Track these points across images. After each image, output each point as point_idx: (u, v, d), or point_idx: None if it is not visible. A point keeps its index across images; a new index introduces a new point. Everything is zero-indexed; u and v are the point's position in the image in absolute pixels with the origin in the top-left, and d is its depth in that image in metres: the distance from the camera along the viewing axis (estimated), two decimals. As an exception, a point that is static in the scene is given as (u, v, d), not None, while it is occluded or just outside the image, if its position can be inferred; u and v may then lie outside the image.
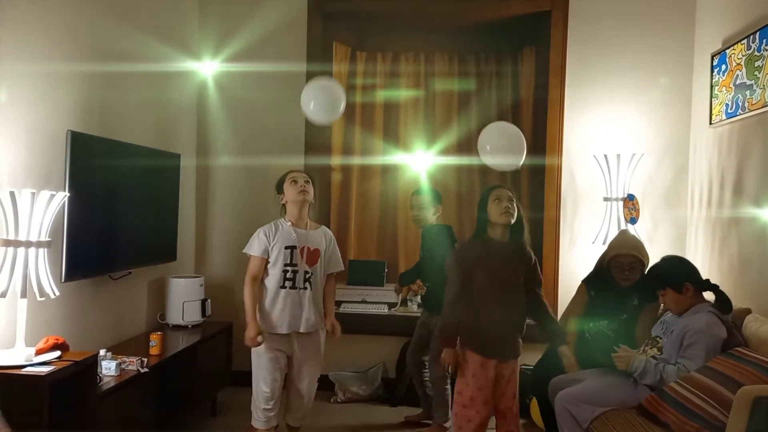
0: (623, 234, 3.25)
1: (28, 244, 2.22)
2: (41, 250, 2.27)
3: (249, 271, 2.79)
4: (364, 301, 4.22)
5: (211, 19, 4.21)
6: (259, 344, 2.71)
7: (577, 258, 3.91)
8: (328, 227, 4.39)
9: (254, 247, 2.79)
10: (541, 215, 4.01)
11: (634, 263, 3.01)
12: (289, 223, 2.82)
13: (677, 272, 2.72)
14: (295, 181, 2.81)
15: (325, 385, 4.03)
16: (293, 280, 2.77)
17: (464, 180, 4.61)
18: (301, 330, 2.78)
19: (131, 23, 3.34)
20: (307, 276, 2.79)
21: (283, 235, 2.78)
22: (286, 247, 2.76)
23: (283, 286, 2.76)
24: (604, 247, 3.22)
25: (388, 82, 4.63)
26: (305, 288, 2.79)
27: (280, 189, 2.88)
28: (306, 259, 2.80)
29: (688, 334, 2.55)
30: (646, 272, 2.93)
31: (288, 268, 2.75)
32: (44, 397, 2.11)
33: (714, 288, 2.70)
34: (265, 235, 2.78)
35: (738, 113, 3.15)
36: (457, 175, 4.62)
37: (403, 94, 4.61)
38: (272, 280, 2.78)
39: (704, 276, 2.78)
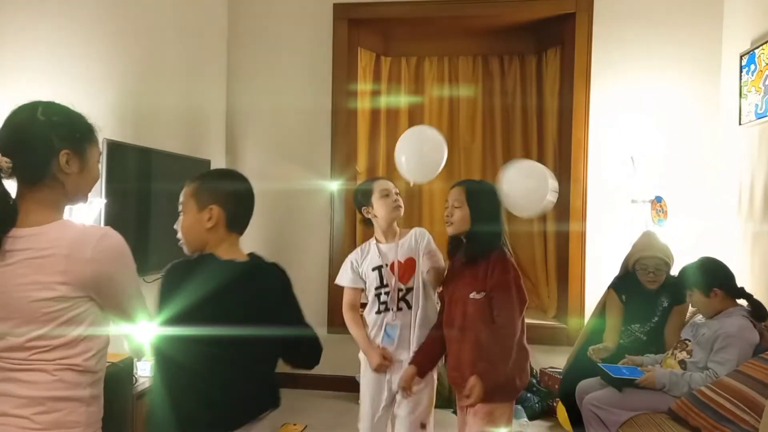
0: (646, 236, 3.20)
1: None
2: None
3: (344, 303, 2.52)
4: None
5: (238, 27, 4.29)
6: (387, 366, 2.39)
7: (604, 260, 3.88)
8: (354, 231, 4.51)
9: (343, 278, 2.51)
10: (567, 218, 3.99)
11: (659, 265, 2.98)
12: (374, 240, 2.49)
13: (707, 276, 2.68)
14: (387, 195, 2.43)
15: (353, 386, 4.07)
16: (386, 303, 2.41)
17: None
18: (401, 358, 2.40)
19: (159, 34, 3.44)
20: (402, 294, 2.40)
21: (369, 257, 2.46)
22: (373, 269, 2.42)
23: (378, 311, 2.43)
24: (628, 249, 3.19)
25: (412, 86, 4.67)
26: (400, 309, 2.40)
27: (365, 202, 2.46)
28: (399, 274, 2.40)
29: (719, 339, 2.52)
30: (679, 270, 2.89)
31: (380, 290, 2.41)
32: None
33: (748, 296, 2.66)
34: (354, 262, 2.48)
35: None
36: (482, 177, 4.64)
37: (427, 99, 4.64)
38: (370, 309, 2.47)
39: (737, 279, 2.74)
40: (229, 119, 4.33)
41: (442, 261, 2.45)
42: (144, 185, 3.15)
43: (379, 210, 2.42)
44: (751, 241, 3.32)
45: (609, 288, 3.17)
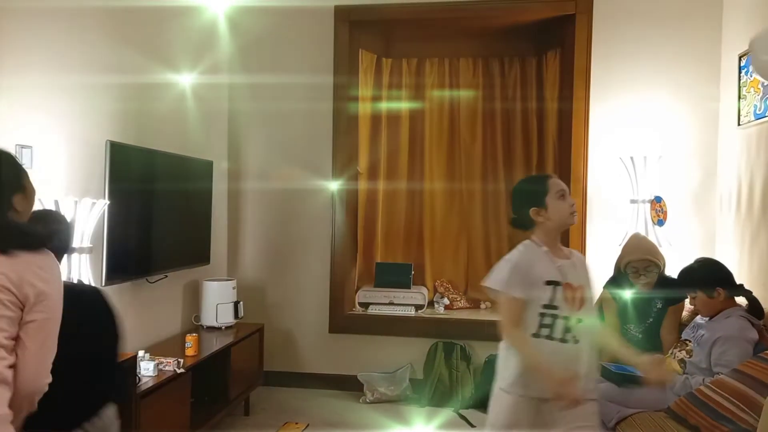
0: (635, 238, 3.22)
1: (71, 250, 2.34)
2: (83, 255, 2.39)
3: (504, 319, 2.02)
4: (391, 303, 4.27)
5: (240, 29, 4.32)
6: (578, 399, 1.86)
7: (603, 259, 3.89)
8: (356, 231, 4.53)
9: (504, 281, 2.00)
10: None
11: (648, 267, 3.01)
12: (545, 248, 2.05)
13: (710, 276, 2.71)
14: (564, 196, 2.04)
15: (354, 385, 4.11)
16: (551, 327, 1.96)
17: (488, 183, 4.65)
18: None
19: (163, 37, 3.46)
20: (569, 325, 1.95)
21: (541, 264, 2.01)
22: (548, 282, 1.97)
23: (536, 335, 1.96)
24: (619, 251, 3.22)
25: (413, 88, 4.69)
26: (565, 341, 1.95)
27: (536, 202, 2.05)
28: (571, 300, 1.97)
29: (720, 341, 2.54)
30: (679, 272, 2.89)
31: (546, 311, 1.96)
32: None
33: (747, 293, 2.68)
34: (521, 266, 2.01)
35: (767, 114, 3.13)
36: (482, 178, 4.67)
37: (428, 100, 4.66)
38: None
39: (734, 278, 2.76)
40: (231, 121, 4.36)
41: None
42: (147, 186, 3.18)
43: (554, 213, 2.02)
44: (749, 241, 3.34)
45: (603, 289, 3.20)
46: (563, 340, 1.95)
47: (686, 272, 2.82)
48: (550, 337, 1.95)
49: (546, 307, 1.96)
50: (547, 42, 4.37)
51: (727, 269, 2.76)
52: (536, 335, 1.96)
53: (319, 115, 4.25)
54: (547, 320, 1.96)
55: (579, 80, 3.95)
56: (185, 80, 3.70)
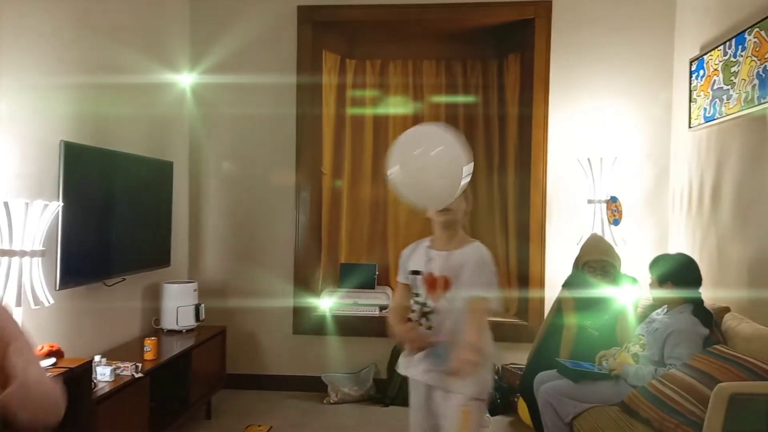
0: (593, 239, 3.33)
1: (22, 254, 2.28)
2: (35, 259, 2.32)
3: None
4: (355, 304, 4.28)
5: (201, 29, 4.26)
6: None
7: (563, 258, 3.98)
8: (320, 232, 4.52)
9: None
10: (528, 218, 4.09)
11: (606, 266, 3.11)
12: (427, 242, 2.21)
13: (670, 269, 2.83)
14: None
15: (318, 386, 4.10)
16: (415, 312, 2.14)
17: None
18: (417, 378, 2.18)
19: (121, 36, 3.40)
20: (427, 310, 2.10)
21: (415, 256, 2.20)
22: (412, 272, 2.16)
23: (410, 318, 2.15)
24: (577, 250, 3.30)
25: (377, 89, 4.71)
26: (422, 325, 2.10)
27: None
28: (428, 288, 2.11)
29: (673, 334, 2.64)
30: (656, 256, 2.99)
31: (415, 298, 2.15)
32: (41, 403, 2.16)
33: (698, 301, 2.76)
34: (403, 257, 2.24)
35: (715, 117, 3.24)
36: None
37: (392, 102, 4.68)
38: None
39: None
40: (192, 121, 4.30)
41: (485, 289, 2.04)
42: (104, 187, 3.11)
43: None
44: (700, 240, 3.46)
45: (562, 287, 3.28)
46: (420, 324, 2.11)
47: (660, 256, 2.97)
48: (417, 322, 2.13)
49: (415, 294, 2.15)
50: (508, 46, 4.44)
51: (691, 273, 2.82)
52: (410, 319, 2.16)
53: (282, 115, 4.23)
54: (415, 306, 2.15)
55: (538, 83, 4.03)
56: (145, 80, 3.64)
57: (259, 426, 3.53)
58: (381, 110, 4.68)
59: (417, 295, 2.13)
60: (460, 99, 4.64)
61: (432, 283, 2.10)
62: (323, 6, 4.19)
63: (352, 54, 4.68)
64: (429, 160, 1.92)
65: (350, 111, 4.68)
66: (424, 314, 2.10)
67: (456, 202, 2.06)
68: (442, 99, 4.65)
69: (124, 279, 3.32)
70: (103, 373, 2.65)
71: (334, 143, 4.66)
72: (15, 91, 2.56)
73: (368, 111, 4.69)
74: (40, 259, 2.35)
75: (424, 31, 4.46)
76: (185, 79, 4.22)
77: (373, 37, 4.61)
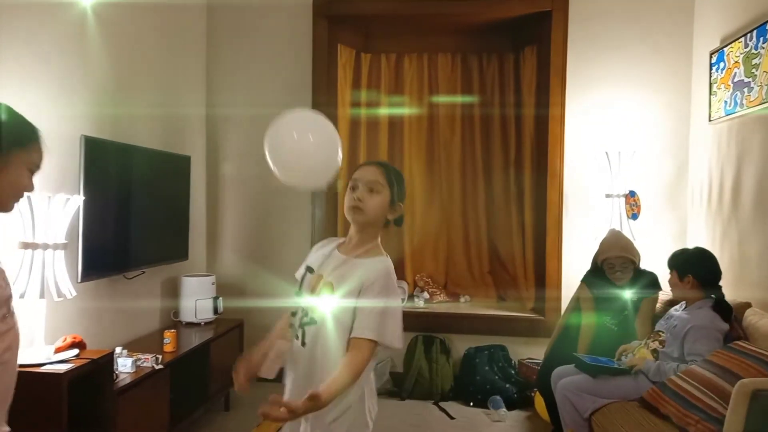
0: (611, 235, 3.29)
1: (45, 247, 2.31)
2: (58, 251, 2.36)
3: None
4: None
5: (218, 23, 4.29)
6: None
7: (580, 254, 3.96)
8: (336, 227, 4.52)
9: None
10: (545, 212, 4.07)
11: (624, 263, 3.08)
12: (341, 240, 1.83)
13: (689, 262, 2.81)
14: (354, 187, 1.75)
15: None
16: (294, 317, 1.72)
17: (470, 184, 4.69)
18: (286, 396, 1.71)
19: (142, 32, 3.42)
20: (305, 321, 1.66)
21: (321, 251, 1.80)
22: (307, 268, 1.77)
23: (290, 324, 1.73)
24: (596, 245, 3.28)
25: (392, 83, 4.70)
26: (297, 338, 1.68)
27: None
28: (314, 292, 1.69)
29: (692, 330, 2.62)
30: (674, 251, 2.96)
31: (295, 299, 1.75)
32: (63, 394, 2.19)
33: (719, 295, 2.74)
34: (312, 250, 1.86)
35: (736, 110, 3.20)
36: (461, 172, 4.71)
37: (407, 95, 4.68)
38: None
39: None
40: (209, 116, 4.32)
41: (372, 330, 1.59)
42: (124, 181, 3.14)
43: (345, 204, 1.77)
44: (720, 234, 3.42)
45: (581, 282, 3.26)
46: (296, 337, 1.69)
47: (678, 252, 2.93)
48: (290, 326, 1.73)
49: (297, 294, 1.74)
50: (525, 38, 4.41)
51: (711, 266, 2.81)
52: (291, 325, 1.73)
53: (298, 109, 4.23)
54: (294, 308, 1.74)
55: (555, 76, 4.00)
56: (162, 76, 3.67)
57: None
58: (396, 104, 4.68)
59: (300, 294, 1.72)
60: (476, 92, 4.63)
61: (314, 286, 1.69)
62: (338, 0, 4.18)
63: (367, 48, 4.68)
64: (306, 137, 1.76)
65: (365, 105, 4.67)
66: (302, 325, 1.66)
67: (371, 202, 1.70)
68: (458, 93, 4.63)
69: (144, 272, 3.36)
70: (124, 365, 2.69)
71: (350, 137, 4.66)
72: (35, 85, 2.59)
73: (383, 105, 4.68)
74: (63, 251, 2.38)
75: (440, 25, 4.44)
76: (201, 75, 4.24)
77: (388, 31, 4.60)
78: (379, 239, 1.76)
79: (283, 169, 1.73)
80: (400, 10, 4.18)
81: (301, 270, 1.79)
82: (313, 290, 1.69)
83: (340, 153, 1.75)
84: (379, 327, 1.59)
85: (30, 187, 1.39)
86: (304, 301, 1.69)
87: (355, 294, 1.60)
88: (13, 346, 1.35)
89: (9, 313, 1.34)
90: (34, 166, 1.39)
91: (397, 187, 1.76)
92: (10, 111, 1.36)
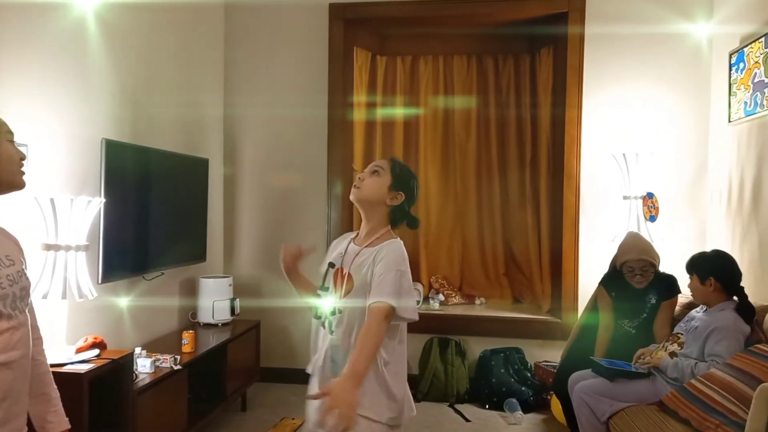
0: (631, 238, 3.24)
1: (67, 248, 2.35)
2: (79, 253, 2.40)
3: None
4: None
5: (236, 28, 4.33)
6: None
7: (597, 256, 3.93)
8: (351, 228, 4.53)
9: None
10: (561, 214, 4.05)
11: (644, 267, 3.04)
12: (354, 233, 1.95)
13: (710, 265, 2.77)
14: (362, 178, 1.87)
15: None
16: (317, 308, 1.86)
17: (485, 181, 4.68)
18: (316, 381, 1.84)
19: (161, 36, 3.47)
20: (331, 311, 1.80)
21: (339, 247, 1.92)
22: (330, 264, 1.87)
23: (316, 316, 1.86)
24: (615, 247, 3.25)
25: (408, 85, 4.71)
26: (323, 328, 1.82)
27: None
28: (337, 285, 1.82)
29: (715, 332, 2.58)
30: (693, 254, 2.92)
31: (319, 291, 1.87)
32: (84, 394, 2.23)
33: (742, 296, 2.71)
34: (331, 246, 2.00)
35: (756, 111, 3.16)
36: (477, 174, 4.70)
37: (423, 97, 4.69)
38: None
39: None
40: (227, 119, 4.36)
41: (386, 294, 1.66)
42: (143, 184, 3.18)
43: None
44: (740, 236, 3.38)
45: (599, 285, 3.23)
46: (323, 327, 1.83)
47: (697, 255, 2.89)
48: (317, 317, 1.85)
49: (320, 288, 1.86)
50: (541, 40, 4.39)
51: (732, 267, 2.78)
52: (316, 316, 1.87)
53: (314, 112, 4.26)
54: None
55: (572, 77, 3.98)
56: (181, 80, 3.71)
57: (293, 419, 3.57)
58: (411, 106, 4.69)
59: (325, 289, 1.84)
60: (491, 93, 4.62)
61: (337, 279, 1.82)
62: (355, 3, 4.21)
63: (383, 50, 4.70)
64: None
65: (381, 107, 4.69)
66: (328, 315, 1.80)
67: (368, 181, 1.83)
68: (473, 95, 4.63)
69: (163, 273, 3.40)
70: (143, 365, 2.72)
71: (365, 139, 4.68)
72: (57, 89, 2.64)
73: (399, 106, 4.69)
74: (84, 253, 2.42)
75: (455, 27, 4.45)
76: (219, 78, 4.29)
77: (403, 33, 4.61)
78: (390, 227, 1.88)
79: None
80: (416, 12, 4.18)
81: (324, 266, 1.89)
82: (335, 283, 1.83)
83: None
84: (393, 292, 1.67)
85: (22, 154, 1.46)
86: (328, 294, 1.83)
87: (370, 272, 1.74)
88: (12, 347, 1.36)
89: (6, 315, 1.35)
90: (10, 135, 1.45)
91: (402, 178, 1.86)
92: None
